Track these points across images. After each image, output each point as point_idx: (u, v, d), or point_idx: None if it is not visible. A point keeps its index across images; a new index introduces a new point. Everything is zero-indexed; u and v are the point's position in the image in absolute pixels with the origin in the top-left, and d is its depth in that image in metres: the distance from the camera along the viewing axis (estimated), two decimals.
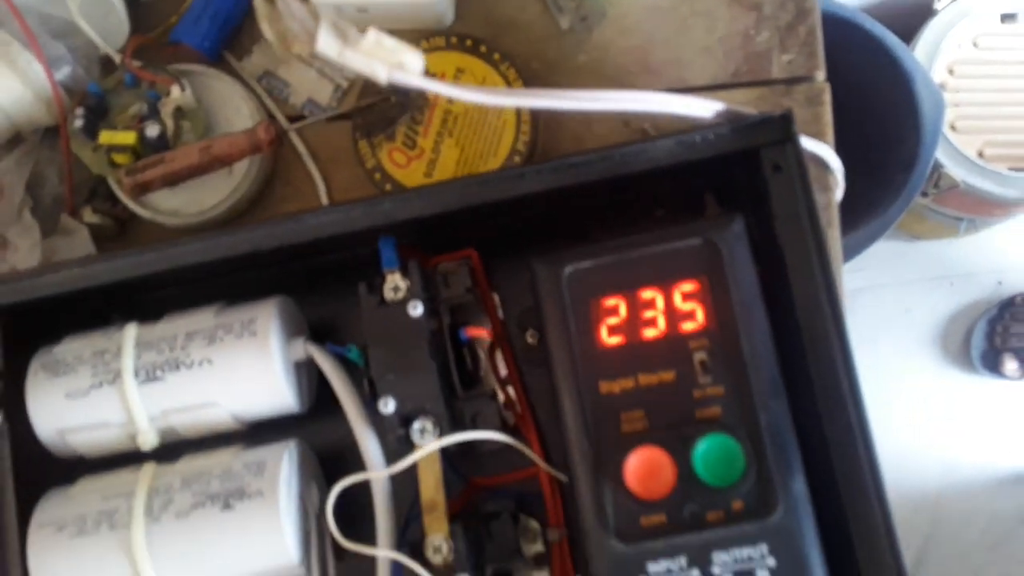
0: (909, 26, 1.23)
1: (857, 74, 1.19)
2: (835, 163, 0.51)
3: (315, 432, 0.50)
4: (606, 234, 0.46)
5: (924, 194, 1.21)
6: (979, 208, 1.21)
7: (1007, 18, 1.20)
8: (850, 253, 1.10)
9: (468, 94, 0.42)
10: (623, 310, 0.44)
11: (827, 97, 0.52)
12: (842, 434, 0.42)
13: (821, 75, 0.52)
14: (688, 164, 0.45)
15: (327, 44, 0.39)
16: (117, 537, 0.45)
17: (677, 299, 0.44)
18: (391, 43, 0.40)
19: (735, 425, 0.42)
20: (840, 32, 1.12)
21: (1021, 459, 1.51)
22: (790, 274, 0.43)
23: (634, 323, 0.44)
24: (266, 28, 0.42)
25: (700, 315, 0.43)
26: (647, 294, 0.44)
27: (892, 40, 1.08)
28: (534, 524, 0.50)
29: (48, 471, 0.49)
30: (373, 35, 0.39)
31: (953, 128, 1.18)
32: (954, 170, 1.14)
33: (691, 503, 0.42)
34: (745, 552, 0.41)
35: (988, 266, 1.41)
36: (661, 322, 0.44)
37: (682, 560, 0.41)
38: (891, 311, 1.44)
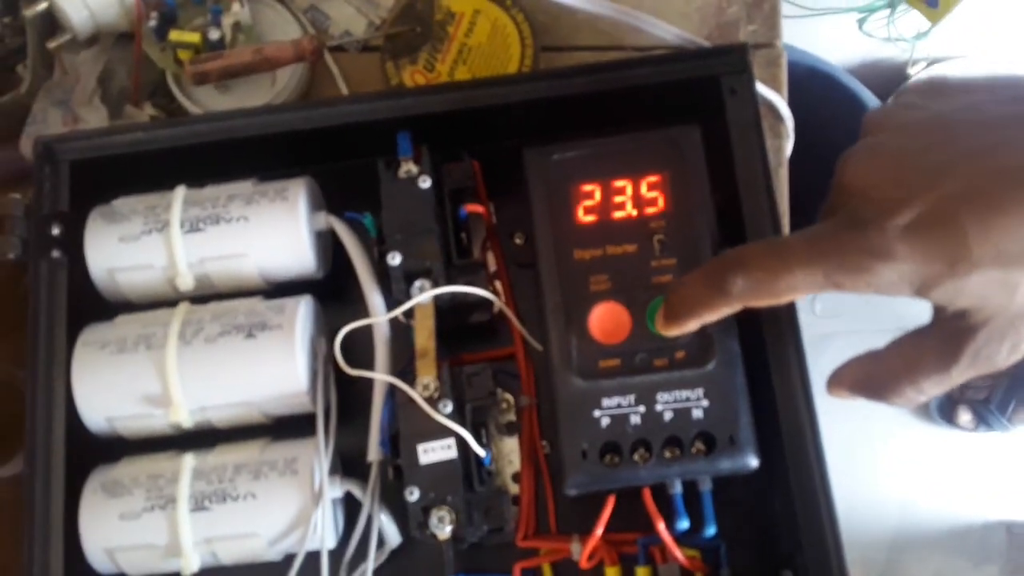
0: (886, 88, 1.33)
1: (836, 128, 1.30)
2: (786, 112, 0.60)
3: (328, 309, 0.58)
4: None
5: None
6: None
7: None
8: None
9: None
10: (598, 195, 0.52)
11: (783, 61, 0.61)
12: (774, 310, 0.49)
13: (779, 43, 0.62)
14: (660, 87, 0.54)
15: None
16: (152, 356, 0.52)
17: (643, 188, 0.52)
18: None
19: None
20: (821, 86, 1.23)
21: (973, 507, 1.57)
22: (737, 173, 0.52)
23: (606, 205, 0.52)
24: None
25: (661, 202, 0.52)
26: (619, 183, 0.53)
27: (868, 96, 1.18)
28: (508, 396, 0.58)
29: (93, 314, 0.56)
30: None
31: None
32: None
33: (642, 351, 0.50)
34: (684, 394, 0.49)
35: None
36: (629, 206, 0.52)
37: (631, 397, 0.49)
38: None
